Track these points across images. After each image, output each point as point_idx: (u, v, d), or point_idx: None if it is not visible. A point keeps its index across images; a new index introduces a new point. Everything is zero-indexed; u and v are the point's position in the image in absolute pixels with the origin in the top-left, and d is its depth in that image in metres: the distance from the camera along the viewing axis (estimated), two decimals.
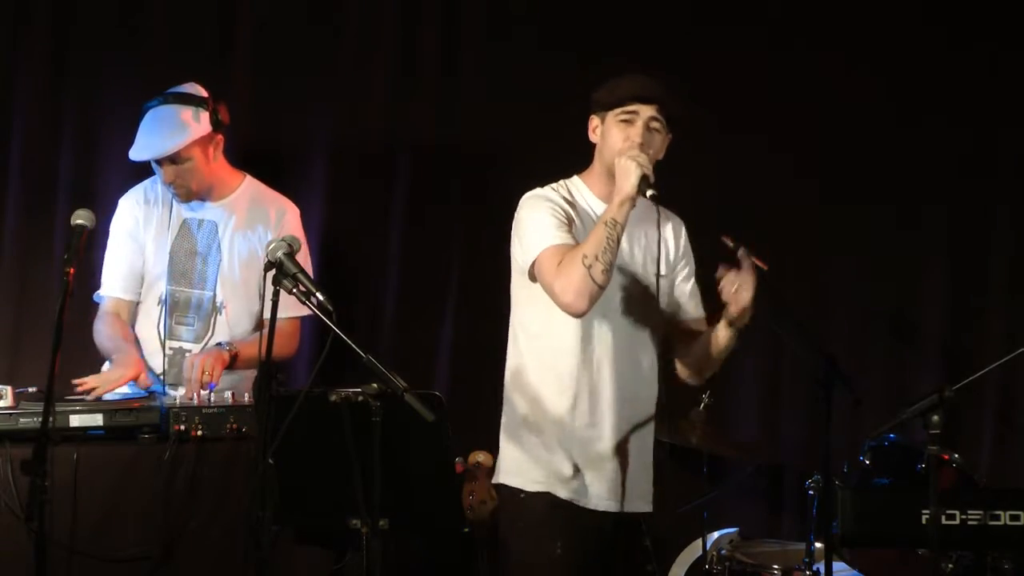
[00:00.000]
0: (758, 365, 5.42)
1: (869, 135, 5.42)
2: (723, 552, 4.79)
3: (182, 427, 4.16)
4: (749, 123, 5.37)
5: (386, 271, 5.38)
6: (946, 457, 4.43)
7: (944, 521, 3.91)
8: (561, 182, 4.08)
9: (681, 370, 4.15)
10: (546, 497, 4.00)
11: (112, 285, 4.75)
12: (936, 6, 5.46)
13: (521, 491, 4.03)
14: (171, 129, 4.58)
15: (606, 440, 4.00)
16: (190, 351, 4.66)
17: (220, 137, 4.68)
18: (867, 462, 4.59)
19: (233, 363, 4.58)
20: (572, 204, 4.02)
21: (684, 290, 4.15)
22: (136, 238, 4.73)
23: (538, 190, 4.06)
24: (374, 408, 3.68)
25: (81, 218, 4.11)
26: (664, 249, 4.06)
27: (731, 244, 3.95)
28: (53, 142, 5.16)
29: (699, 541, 4.83)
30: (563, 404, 4.00)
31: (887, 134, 5.43)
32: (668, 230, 4.11)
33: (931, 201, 5.46)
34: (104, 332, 4.69)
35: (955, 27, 5.44)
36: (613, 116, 3.97)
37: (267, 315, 4.58)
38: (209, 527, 4.14)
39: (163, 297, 4.70)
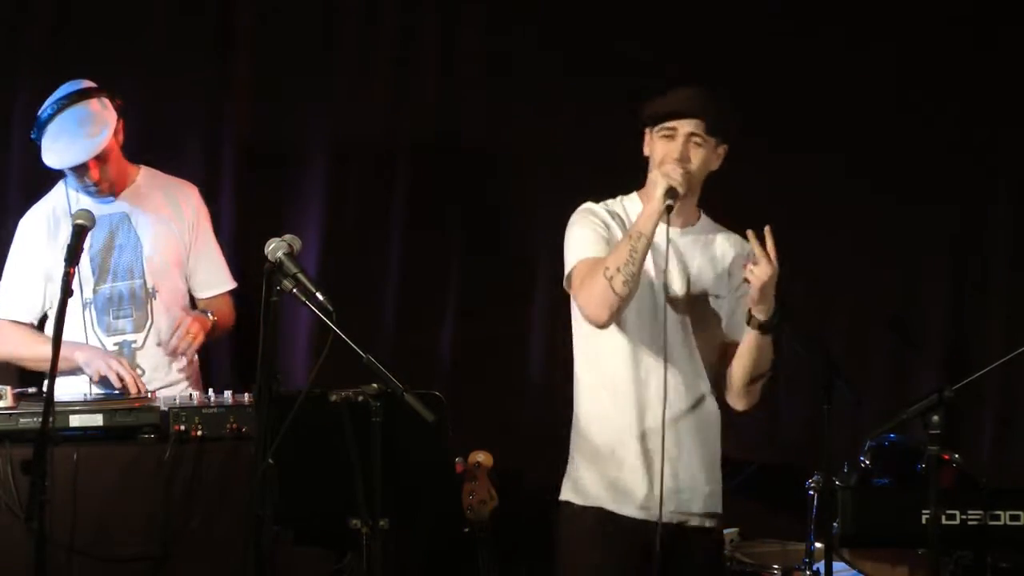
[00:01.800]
0: None
1: (871, 134, 5.41)
2: (723, 552, 4.78)
3: (182, 427, 4.15)
4: (749, 123, 5.35)
5: (386, 271, 5.37)
6: (946, 457, 4.42)
7: (944, 521, 3.91)
8: (618, 198, 4.08)
9: (728, 393, 4.08)
10: (598, 512, 3.97)
11: (9, 308, 4.65)
12: (941, 6, 5.47)
13: (572, 504, 4.02)
14: (94, 125, 4.51)
15: (661, 452, 3.92)
16: (133, 342, 4.64)
17: (122, 123, 4.61)
18: (867, 462, 4.59)
19: (213, 331, 4.63)
20: (620, 219, 4.02)
21: (736, 310, 4.08)
22: (41, 260, 4.62)
23: (588, 204, 4.06)
24: (374, 408, 3.68)
25: (81, 218, 4.11)
26: (719, 268, 4.07)
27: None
28: None
29: None
30: (613, 417, 3.97)
31: (889, 133, 5.42)
32: (727, 249, 4.11)
33: (932, 201, 5.45)
34: (24, 338, 4.58)
35: (956, 28, 5.45)
36: (656, 132, 3.99)
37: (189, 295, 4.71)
38: (209, 527, 4.13)
39: (88, 300, 4.62)
